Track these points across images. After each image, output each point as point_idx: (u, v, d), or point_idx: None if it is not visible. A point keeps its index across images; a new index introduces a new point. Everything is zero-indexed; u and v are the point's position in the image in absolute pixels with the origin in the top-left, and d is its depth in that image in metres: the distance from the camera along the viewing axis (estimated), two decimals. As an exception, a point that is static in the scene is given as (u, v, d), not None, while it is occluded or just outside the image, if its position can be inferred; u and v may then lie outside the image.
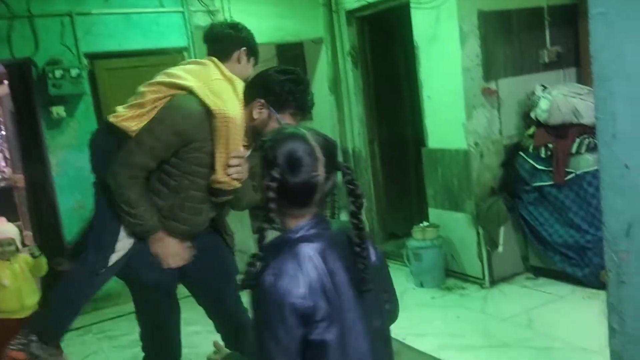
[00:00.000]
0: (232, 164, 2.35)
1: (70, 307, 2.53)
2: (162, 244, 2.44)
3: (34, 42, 4.67)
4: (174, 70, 2.48)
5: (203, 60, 2.57)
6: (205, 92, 2.33)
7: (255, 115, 2.27)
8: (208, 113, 2.31)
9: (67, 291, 2.51)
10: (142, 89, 2.45)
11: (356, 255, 1.43)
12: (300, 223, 1.46)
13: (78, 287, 2.50)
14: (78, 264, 2.50)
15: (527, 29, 4.68)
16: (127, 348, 4.20)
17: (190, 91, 2.34)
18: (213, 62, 2.52)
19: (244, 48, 2.61)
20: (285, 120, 2.23)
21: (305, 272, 1.37)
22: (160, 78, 2.44)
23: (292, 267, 1.37)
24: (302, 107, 2.25)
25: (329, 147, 1.46)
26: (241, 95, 2.39)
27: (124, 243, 2.44)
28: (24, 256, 3.63)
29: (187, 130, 2.32)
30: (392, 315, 1.67)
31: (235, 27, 2.66)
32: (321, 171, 1.43)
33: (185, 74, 2.41)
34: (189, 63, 2.63)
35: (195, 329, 3.55)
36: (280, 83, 2.21)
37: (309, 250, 1.40)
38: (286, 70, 2.26)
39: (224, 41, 2.60)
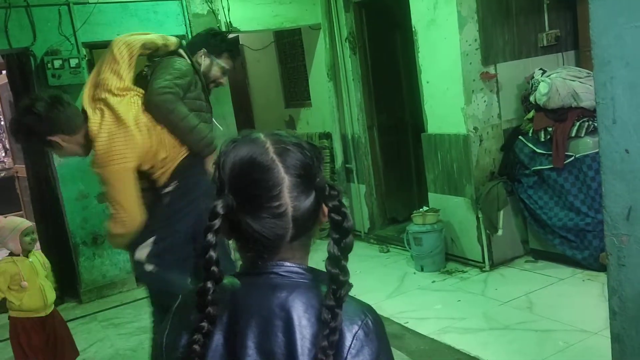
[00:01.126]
0: None
1: None
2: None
3: (31, 32, 4.67)
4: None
5: None
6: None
7: (200, 61, 2.91)
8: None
9: None
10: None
11: (324, 323, 0.94)
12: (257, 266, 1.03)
13: None
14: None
15: (525, 12, 4.67)
16: (133, 335, 4.24)
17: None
18: None
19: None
20: (223, 62, 2.95)
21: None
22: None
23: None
24: (233, 48, 3.05)
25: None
26: None
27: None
28: (38, 252, 3.50)
29: None
30: None
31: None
32: (287, 198, 0.97)
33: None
34: None
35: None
36: (213, 36, 2.99)
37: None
38: (214, 30, 3.27)
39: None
